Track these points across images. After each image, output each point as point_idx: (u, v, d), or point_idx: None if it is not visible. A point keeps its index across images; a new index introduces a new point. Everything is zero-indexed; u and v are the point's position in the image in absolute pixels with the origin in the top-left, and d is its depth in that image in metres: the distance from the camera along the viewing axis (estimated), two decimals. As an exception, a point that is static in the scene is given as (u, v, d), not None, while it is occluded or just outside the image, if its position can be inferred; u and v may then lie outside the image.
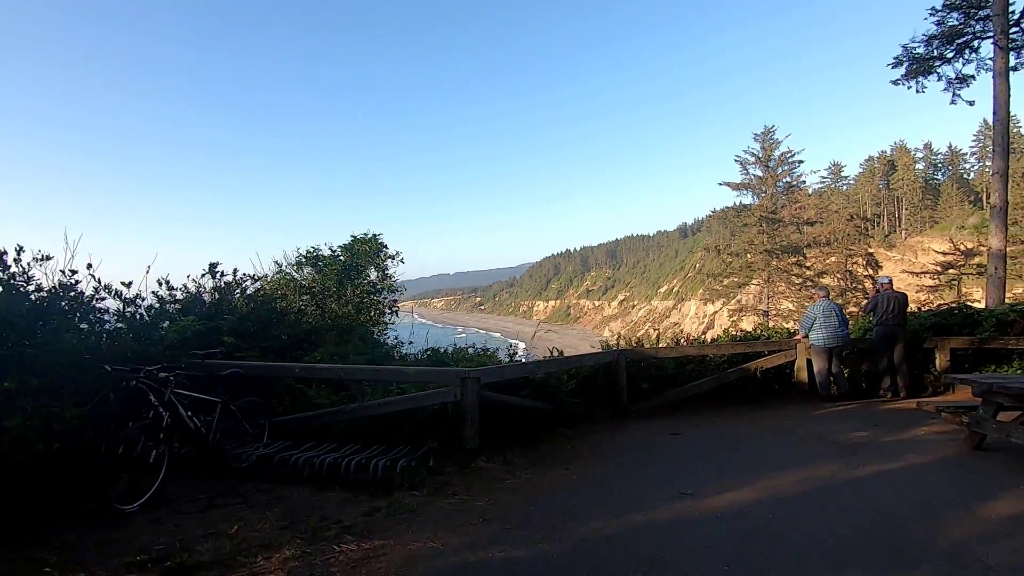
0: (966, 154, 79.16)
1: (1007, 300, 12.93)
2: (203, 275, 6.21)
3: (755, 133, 41.40)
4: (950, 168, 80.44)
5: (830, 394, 7.05)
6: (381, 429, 4.68)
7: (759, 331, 7.82)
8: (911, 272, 52.47)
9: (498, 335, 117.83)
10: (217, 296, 6.18)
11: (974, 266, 46.81)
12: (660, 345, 7.55)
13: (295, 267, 8.71)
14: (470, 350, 7.54)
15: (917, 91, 19.90)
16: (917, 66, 18.89)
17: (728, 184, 41.66)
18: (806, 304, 41.19)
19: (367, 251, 8.48)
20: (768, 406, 6.68)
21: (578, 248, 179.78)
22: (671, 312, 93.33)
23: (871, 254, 46.44)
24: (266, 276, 8.09)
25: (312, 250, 8.65)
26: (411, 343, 8.88)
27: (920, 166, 79.13)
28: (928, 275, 47.81)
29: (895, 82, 20.09)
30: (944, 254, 48.92)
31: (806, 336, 7.10)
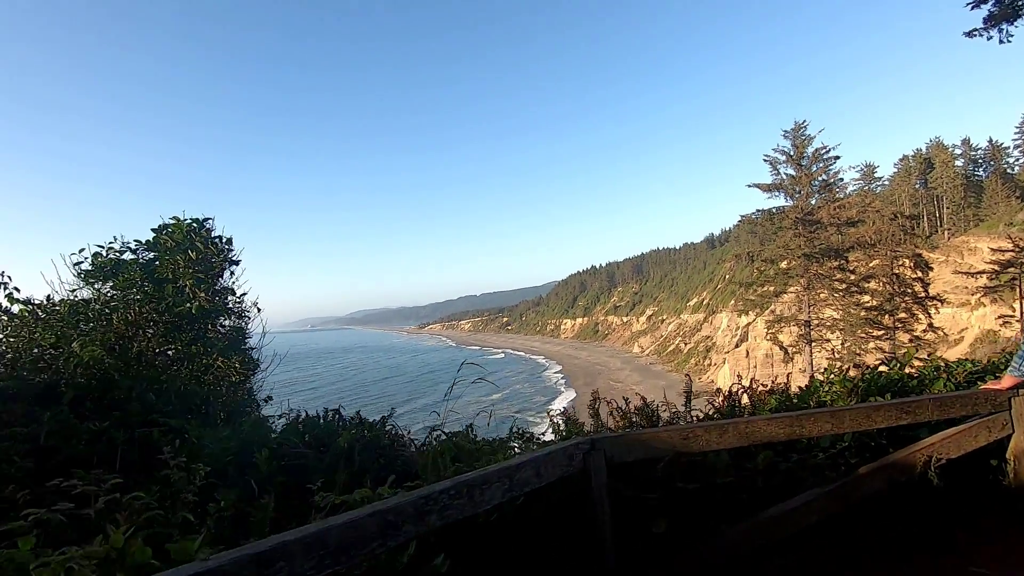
0: (1008, 148, 72.28)
1: None
2: None
3: (784, 130, 36.74)
4: (992, 163, 73.54)
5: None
6: None
7: (898, 364, 3.52)
8: (964, 273, 46.66)
9: (541, 359, 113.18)
10: None
11: (1037, 263, 41.04)
12: (696, 419, 3.21)
13: (84, 281, 5.05)
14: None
15: (1001, 40, 15.53)
16: (1004, 7, 14.56)
17: (758, 185, 37.04)
18: (852, 311, 36.13)
19: (174, 247, 4.70)
20: (973, 567, 2.60)
21: (604, 264, 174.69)
22: (702, 325, 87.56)
23: (919, 255, 40.73)
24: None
25: (103, 251, 4.93)
26: (278, 414, 5.07)
27: (959, 163, 72.48)
28: (986, 275, 42.28)
29: (970, 33, 15.77)
30: (1001, 252, 43.21)
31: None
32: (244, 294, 5.08)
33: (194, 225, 4.79)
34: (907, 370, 3.58)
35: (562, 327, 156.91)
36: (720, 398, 3.29)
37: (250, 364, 5.05)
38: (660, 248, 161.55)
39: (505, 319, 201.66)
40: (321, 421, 4.30)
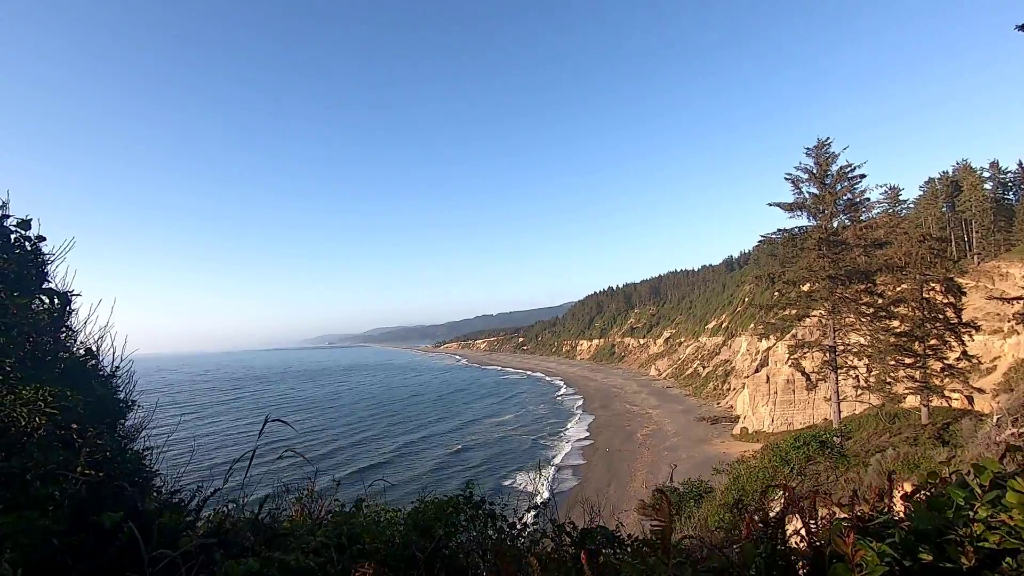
0: (1039, 171, 69.48)
1: None
2: None
3: (807, 148, 35.14)
4: (1022, 187, 70.72)
5: None
6: None
7: None
8: (999, 298, 44.10)
9: (558, 380, 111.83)
10: None
11: (1079, 289, 38.47)
12: (702, 542, 1.99)
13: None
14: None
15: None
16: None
17: (780, 205, 35.34)
18: (880, 337, 33.98)
19: None
20: None
21: (621, 285, 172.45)
22: (720, 349, 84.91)
23: (951, 279, 38.40)
24: None
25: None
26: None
27: (988, 186, 69.75)
28: (1022, 301, 39.74)
29: (1023, 27, 14.44)
30: (1039, 277, 40.64)
31: None
32: (53, 300, 3.54)
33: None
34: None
35: (578, 348, 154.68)
36: (744, 521, 1.68)
37: (104, 401, 3.49)
38: (678, 270, 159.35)
39: (521, 339, 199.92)
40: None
